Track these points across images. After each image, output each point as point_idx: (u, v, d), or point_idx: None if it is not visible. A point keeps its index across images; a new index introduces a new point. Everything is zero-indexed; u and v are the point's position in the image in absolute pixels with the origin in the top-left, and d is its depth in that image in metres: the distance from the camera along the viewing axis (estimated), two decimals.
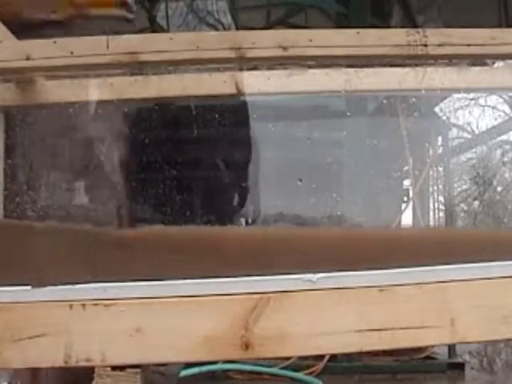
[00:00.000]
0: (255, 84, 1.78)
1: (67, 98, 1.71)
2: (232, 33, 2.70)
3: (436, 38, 1.47)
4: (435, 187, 4.02)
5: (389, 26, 4.04)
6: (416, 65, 1.62)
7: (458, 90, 2.07)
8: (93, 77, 1.66)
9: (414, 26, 4.06)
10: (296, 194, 2.96)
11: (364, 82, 1.76)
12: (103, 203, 2.01)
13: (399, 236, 1.36)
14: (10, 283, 1.06)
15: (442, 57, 1.53)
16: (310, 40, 1.46)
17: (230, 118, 2.26)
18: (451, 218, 3.95)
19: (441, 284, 1.08)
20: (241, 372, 3.07)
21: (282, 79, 1.75)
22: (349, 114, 2.92)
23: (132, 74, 1.67)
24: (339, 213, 3.00)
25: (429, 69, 1.65)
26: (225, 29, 3.21)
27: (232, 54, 1.47)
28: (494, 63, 1.75)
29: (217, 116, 2.22)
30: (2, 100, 1.69)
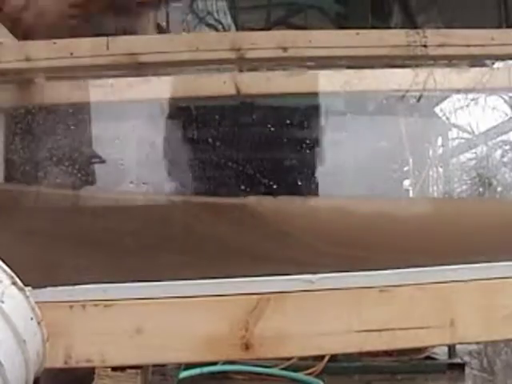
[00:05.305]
0: (255, 85, 1.78)
1: (67, 99, 1.71)
2: (232, 33, 2.69)
3: (436, 38, 1.47)
4: (435, 187, 4.02)
5: (389, 27, 4.04)
6: (416, 65, 1.62)
7: (457, 91, 2.07)
8: (93, 78, 1.66)
9: (414, 26, 4.07)
10: None
11: (364, 83, 1.76)
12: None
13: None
14: None
15: (442, 57, 1.53)
16: (310, 41, 1.47)
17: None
18: None
19: (441, 284, 1.08)
20: (240, 372, 3.07)
21: (281, 80, 1.76)
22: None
23: (132, 75, 1.68)
24: None
25: (428, 69, 1.65)
26: (225, 29, 3.20)
27: (232, 55, 1.47)
28: (493, 64, 1.75)
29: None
30: (2, 101, 1.69)
